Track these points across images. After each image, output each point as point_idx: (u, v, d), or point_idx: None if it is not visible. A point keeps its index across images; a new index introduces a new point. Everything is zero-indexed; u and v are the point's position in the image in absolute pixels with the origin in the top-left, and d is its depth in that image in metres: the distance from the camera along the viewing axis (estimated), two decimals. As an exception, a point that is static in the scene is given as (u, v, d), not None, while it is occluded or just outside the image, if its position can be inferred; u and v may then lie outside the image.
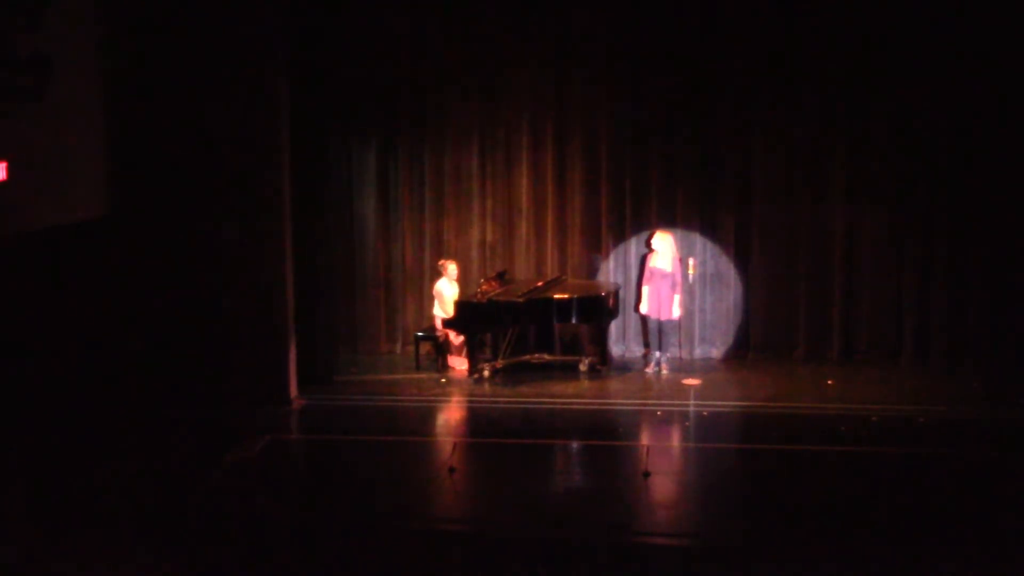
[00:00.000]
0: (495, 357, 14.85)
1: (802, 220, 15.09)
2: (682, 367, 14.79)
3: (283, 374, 13.26)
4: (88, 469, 10.83)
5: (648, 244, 14.79)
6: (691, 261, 14.67)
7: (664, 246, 14.51)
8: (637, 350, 15.45)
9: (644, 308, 14.74)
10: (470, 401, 13.82)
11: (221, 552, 9.31)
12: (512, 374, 14.50)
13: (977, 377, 13.95)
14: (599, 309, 14.39)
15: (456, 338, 14.78)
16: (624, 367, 15.03)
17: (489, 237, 15.62)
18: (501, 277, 14.90)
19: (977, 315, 14.71)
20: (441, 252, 15.47)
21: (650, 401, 13.51)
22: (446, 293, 14.81)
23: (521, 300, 14.11)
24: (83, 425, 11.67)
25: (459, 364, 14.77)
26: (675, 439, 12.39)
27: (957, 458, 11.29)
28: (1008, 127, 14.36)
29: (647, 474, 10.74)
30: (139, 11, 12.75)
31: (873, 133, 14.92)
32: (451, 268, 14.94)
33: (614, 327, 15.27)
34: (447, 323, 14.54)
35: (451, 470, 10.97)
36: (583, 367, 14.68)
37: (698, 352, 15.32)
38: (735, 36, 14.90)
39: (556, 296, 14.27)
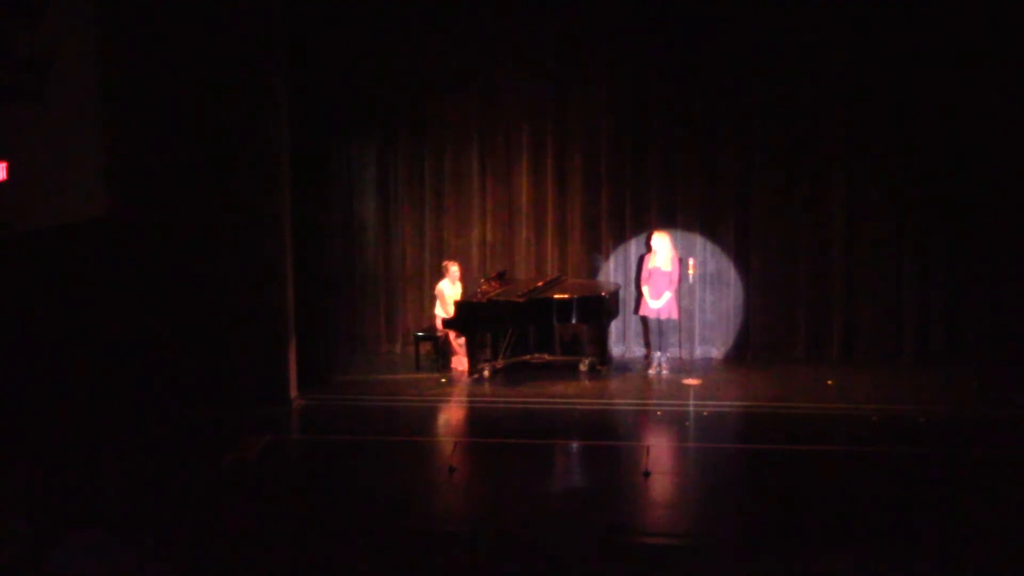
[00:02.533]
0: (495, 357, 14.85)
1: (802, 220, 15.09)
2: (682, 367, 14.79)
3: (283, 374, 13.26)
4: (87, 469, 10.83)
5: (647, 244, 14.79)
6: (691, 261, 14.67)
7: (663, 246, 14.51)
8: (637, 350, 15.45)
9: (643, 308, 14.74)
10: (470, 401, 13.82)
11: (220, 552, 9.31)
12: (512, 374, 14.50)
13: (975, 377, 13.95)
14: (599, 309, 14.39)
15: (457, 338, 14.79)
16: (624, 367, 15.02)
17: (489, 237, 15.62)
18: (501, 277, 14.90)
19: (975, 314, 14.72)
20: (441, 252, 15.48)
21: (650, 401, 13.51)
22: (447, 293, 14.81)
23: (521, 300, 14.11)
24: (82, 425, 11.67)
25: (459, 364, 14.78)
26: (675, 439, 12.39)
27: (955, 457, 11.30)
28: (1005, 127, 14.37)
29: (647, 474, 10.74)
30: (139, 11, 12.76)
31: (872, 134, 14.92)
32: (453, 269, 14.93)
33: (614, 327, 15.27)
34: (447, 323, 14.55)
35: (451, 469, 10.98)
36: (583, 367, 14.68)
37: (698, 352, 15.32)
38: (735, 35, 14.90)
39: (556, 296, 14.27)
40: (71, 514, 9.81)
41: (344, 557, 9.20)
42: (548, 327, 14.97)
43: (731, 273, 15.25)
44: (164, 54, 12.76)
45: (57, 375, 11.53)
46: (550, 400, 13.54)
